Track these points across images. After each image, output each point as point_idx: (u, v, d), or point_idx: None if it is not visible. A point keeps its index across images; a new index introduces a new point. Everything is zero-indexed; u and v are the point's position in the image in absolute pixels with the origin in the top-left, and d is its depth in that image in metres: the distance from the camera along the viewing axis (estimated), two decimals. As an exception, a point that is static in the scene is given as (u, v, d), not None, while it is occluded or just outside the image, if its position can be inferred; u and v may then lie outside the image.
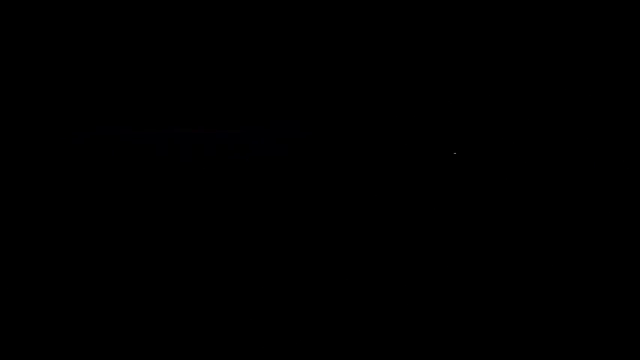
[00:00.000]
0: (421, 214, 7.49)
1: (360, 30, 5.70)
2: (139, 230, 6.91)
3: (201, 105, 6.15)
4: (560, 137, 6.64)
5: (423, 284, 5.13)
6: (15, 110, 5.89)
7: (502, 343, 3.92)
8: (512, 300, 4.71)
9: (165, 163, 8.24)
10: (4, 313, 4.47)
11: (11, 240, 6.05)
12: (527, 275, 5.30)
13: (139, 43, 5.54)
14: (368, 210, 7.54)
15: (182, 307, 4.70)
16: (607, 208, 7.27)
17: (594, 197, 7.22)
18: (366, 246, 6.28)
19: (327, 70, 6.00)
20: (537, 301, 4.69)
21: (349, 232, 6.69)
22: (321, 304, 4.68)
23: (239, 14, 5.50)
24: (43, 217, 6.96)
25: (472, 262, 5.57)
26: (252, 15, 5.48)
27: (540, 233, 6.50)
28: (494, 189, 7.58)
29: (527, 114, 6.62)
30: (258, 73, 5.94)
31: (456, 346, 3.91)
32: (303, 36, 5.63)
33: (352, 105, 6.40)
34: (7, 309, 4.51)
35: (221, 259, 5.82)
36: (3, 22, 5.38)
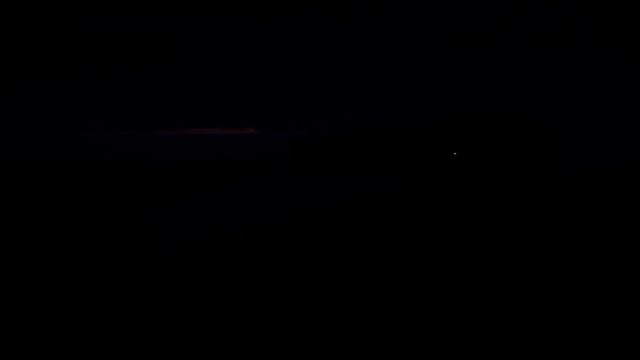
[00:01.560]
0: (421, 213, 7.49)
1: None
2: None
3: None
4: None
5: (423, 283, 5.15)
6: None
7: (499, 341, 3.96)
8: (511, 298, 4.74)
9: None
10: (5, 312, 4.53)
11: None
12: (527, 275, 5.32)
13: None
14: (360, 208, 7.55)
15: (180, 305, 4.74)
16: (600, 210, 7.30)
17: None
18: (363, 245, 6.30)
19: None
20: (537, 298, 4.70)
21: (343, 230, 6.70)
22: (323, 304, 4.71)
23: None
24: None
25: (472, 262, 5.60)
26: None
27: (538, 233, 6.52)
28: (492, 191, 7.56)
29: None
30: None
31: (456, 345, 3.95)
32: None
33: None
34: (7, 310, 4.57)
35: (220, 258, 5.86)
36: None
